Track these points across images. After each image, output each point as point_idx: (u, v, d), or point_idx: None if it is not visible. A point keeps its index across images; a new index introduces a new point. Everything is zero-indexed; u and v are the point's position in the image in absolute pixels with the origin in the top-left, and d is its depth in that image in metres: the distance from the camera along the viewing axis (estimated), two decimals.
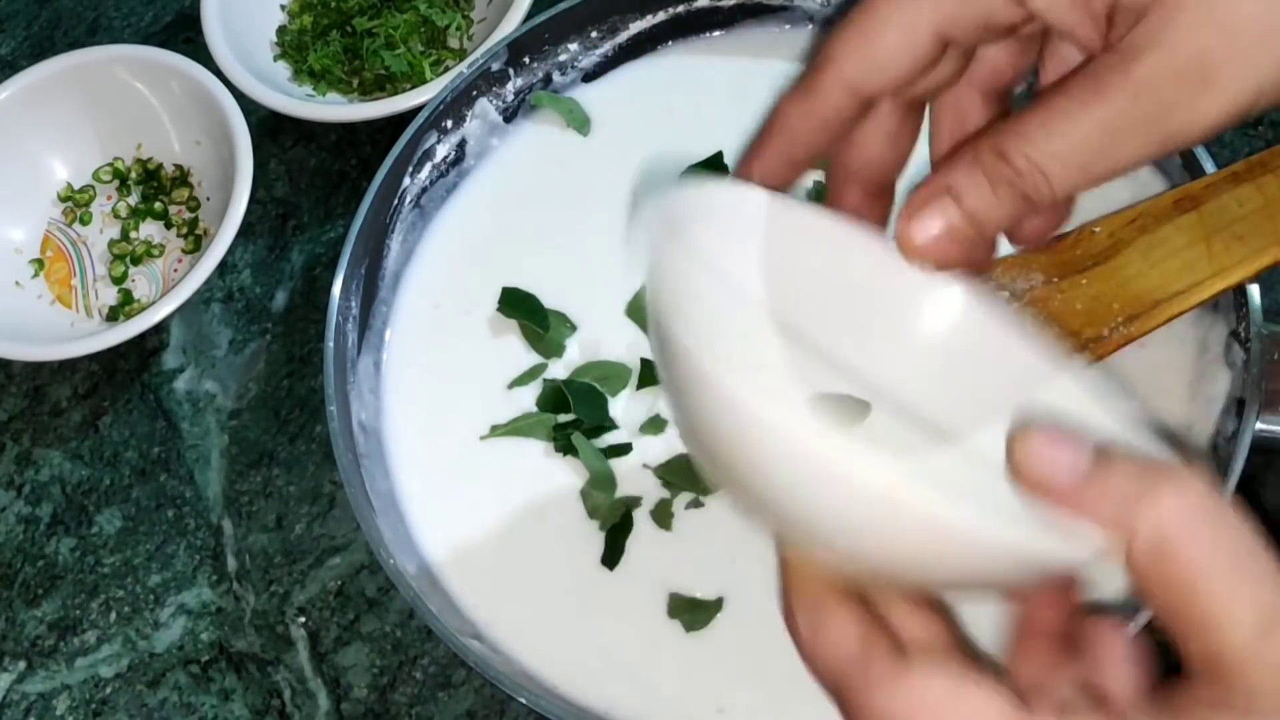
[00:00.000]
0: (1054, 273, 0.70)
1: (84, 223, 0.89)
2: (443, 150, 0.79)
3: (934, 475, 0.41)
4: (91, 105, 0.89)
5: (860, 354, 0.51)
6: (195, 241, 0.87)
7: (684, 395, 0.42)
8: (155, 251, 0.88)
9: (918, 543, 0.39)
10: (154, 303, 0.81)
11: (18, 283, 0.87)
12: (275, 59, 0.91)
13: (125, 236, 0.88)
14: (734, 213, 0.49)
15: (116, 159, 0.90)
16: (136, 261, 0.87)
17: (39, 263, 0.88)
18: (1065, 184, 0.41)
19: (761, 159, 0.50)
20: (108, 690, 0.76)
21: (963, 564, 0.39)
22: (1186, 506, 0.37)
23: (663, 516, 0.70)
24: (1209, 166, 0.69)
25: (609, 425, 0.72)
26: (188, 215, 0.89)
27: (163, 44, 0.92)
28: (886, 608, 0.43)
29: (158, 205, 0.89)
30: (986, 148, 0.42)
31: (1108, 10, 0.42)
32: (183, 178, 0.89)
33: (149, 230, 0.89)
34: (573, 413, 0.72)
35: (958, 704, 0.39)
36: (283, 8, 0.94)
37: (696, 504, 0.70)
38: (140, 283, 0.87)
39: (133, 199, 0.90)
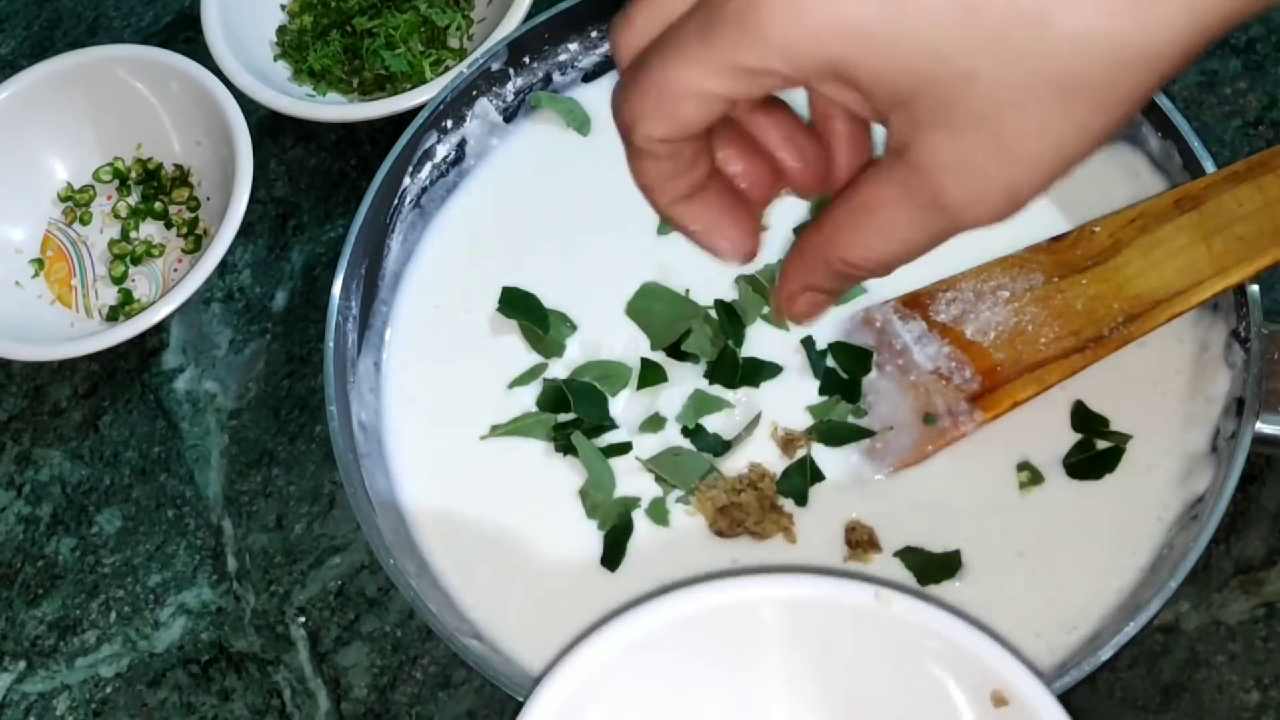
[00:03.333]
0: (1054, 272, 0.70)
1: (84, 223, 0.89)
2: (443, 150, 0.79)
3: None
4: (91, 105, 0.89)
5: None
6: (195, 241, 0.87)
7: None
8: (155, 251, 0.88)
9: None
10: (154, 303, 0.81)
11: (18, 283, 0.87)
12: (275, 59, 0.91)
13: (125, 236, 0.88)
14: None
15: (116, 159, 0.90)
16: (136, 261, 0.87)
17: (39, 263, 0.88)
18: (879, 268, 0.46)
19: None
20: (108, 690, 0.76)
21: None
22: None
23: (658, 513, 0.70)
24: (1209, 166, 0.69)
25: (609, 424, 0.72)
26: (188, 215, 0.89)
27: (163, 44, 0.92)
28: None
29: (158, 205, 0.89)
30: (818, 259, 0.47)
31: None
32: (183, 178, 0.89)
33: (149, 230, 0.89)
34: (573, 412, 0.72)
35: None
36: (283, 7, 0.94)
37: (686, 500, 0.70)
38: (140, 283, 0.87)
39: (133, 199, 0.90)
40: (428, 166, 0.78)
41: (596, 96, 0.82)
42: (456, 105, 0.79)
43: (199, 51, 0.87)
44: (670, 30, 0.43)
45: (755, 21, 0.40)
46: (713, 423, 0.72)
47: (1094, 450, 0.69)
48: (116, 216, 0.89)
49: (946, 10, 0.38)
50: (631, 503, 0.70)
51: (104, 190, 0.90)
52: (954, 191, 0.42)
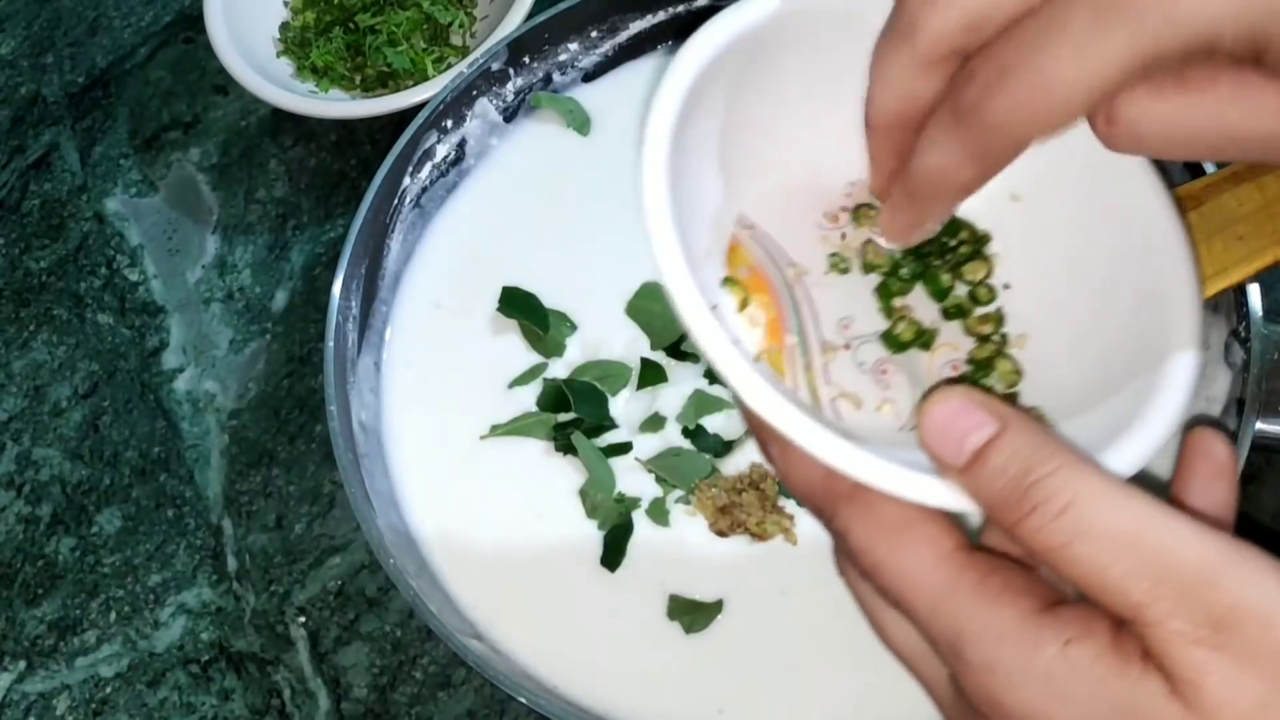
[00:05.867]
0: None
1: None
2: (443, 150, 0.79)
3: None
4: None
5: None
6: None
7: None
8: None
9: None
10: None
11: None
12: (278, 55, 0.91)
13: None
14: None
15: None
16: None
17: None
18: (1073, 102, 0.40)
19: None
20: (108, 690, 0.76)
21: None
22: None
23: (658, 513, 0.70)
24: (1209, 166, 0.69)
25: (609, 424, 0.72)
26: None
27: (163, 44, 0.92)
28: None
29: None
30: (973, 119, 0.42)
31: None
32: None
33: None
34: (573, 412, 0.72)
35: (910, 524, 0.41)
36: (285, 4, 0.94)
37: (685, 500, 0.70)
38: None
39: None
40: (428, 166, 0.78)
41: (596, 96, 0.82)
42: (457, 105, 0.79)
43: (199, 51, 0.87)
44: (1041, 19, 0.38)
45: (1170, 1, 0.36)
46: (713, 423, 0.72)
47: None
48: None
49: None
50: (631, 503, 0.70)
51: None
52: None
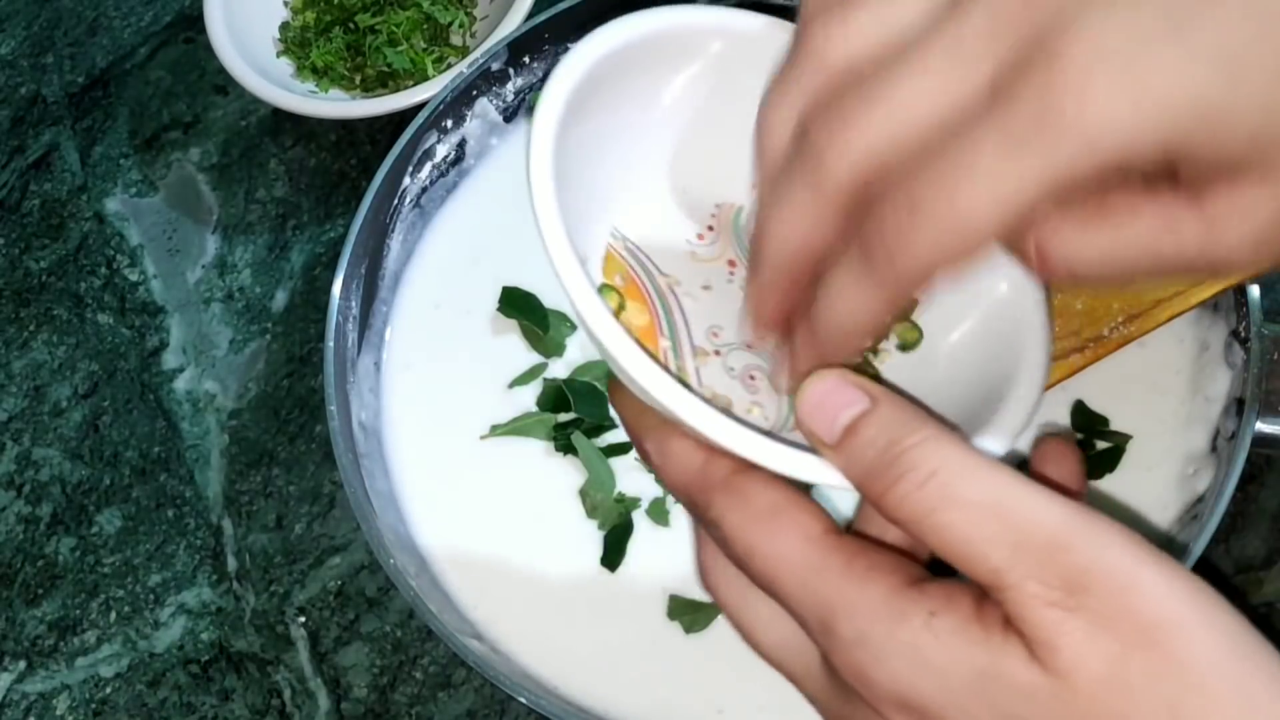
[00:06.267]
0: None
1: None
2: (443, 150, 0.79)
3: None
4: None
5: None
6: None
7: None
8: None
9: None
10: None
11: None
12: (278, 55, 0.91)
13: None
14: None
15: None
16: None
17: None
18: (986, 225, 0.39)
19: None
20: (108, 690, 0.76)
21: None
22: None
23: (658, 513, 0.70)
24: None
25: (609, 424, 0.72)
26: None
27: (163, 44, 0.92)
28: None
29: None
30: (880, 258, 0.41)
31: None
32: None
33: None
34: (573, 412, 0.72)
35: (781, 510, 0.42)
36: (285, 4, 0.94)
37: None
38: None
39: None
40: (428, 166, 0.78)
41: None
42: (456, 105, 0.79)
43: (199, 51, 0.87)
44: (950, 150, 0.37)
45: (1079, 113, 0.35)
46: None
47: (1094, 450, 0.69)
48: None
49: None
50: (631, 503, 0.70)
51: None
52: (1233, 237, 0.38)
